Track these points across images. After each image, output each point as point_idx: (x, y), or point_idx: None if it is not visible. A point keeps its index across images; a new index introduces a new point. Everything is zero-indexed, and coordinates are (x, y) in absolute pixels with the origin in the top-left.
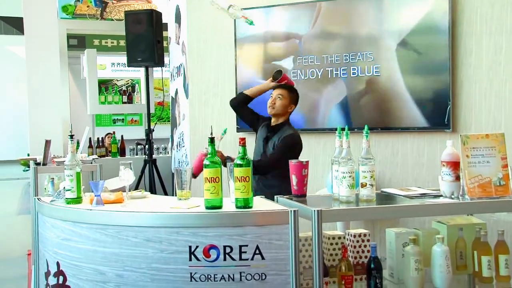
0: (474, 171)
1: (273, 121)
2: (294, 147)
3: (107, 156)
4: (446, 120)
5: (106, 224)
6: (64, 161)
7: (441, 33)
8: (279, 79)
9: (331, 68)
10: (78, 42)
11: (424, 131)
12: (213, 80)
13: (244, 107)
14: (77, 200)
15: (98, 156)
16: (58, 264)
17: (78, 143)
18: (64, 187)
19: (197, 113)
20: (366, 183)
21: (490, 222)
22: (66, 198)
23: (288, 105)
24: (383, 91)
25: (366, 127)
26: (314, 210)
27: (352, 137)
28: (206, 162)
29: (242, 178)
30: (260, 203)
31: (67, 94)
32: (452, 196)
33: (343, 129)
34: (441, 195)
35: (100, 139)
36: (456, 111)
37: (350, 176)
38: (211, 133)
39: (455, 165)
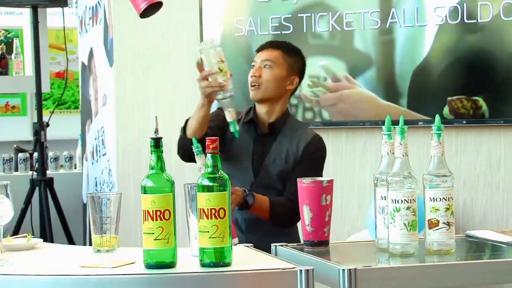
0: None
1: (262, 110)
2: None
3: None
4: None
5: None
6: None
7: None
8: None
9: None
10: None
11: None
12: (159, 33)
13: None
14: None
15: None
16: None
17: None
18: None
19: (129, 93)
20: (438, 221)
21: None
22: None
23: (285, 77)
24: (471, 52)
25: (437, 118)
26: (344, 270)
27: (413, 135)
28: (146, 182)
29: (213, 211)
30: (246, 257)
31: None
32: None
33: (395, 123)
34: None
35: None
36: None
37: (408, 208)
38: (156, 130)
39: None
